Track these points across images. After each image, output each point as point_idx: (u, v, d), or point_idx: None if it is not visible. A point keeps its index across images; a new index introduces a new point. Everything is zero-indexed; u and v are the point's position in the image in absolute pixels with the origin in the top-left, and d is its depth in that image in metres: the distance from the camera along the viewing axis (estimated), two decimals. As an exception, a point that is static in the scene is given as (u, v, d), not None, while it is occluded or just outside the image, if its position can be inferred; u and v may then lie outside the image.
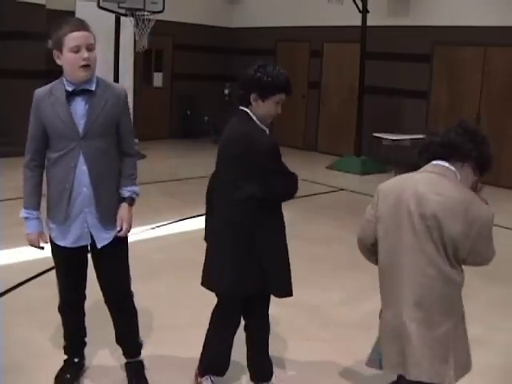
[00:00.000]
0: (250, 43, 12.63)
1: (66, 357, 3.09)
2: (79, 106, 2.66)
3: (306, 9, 11.46)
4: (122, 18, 9.59)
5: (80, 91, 2.65)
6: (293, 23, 11.74)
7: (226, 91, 13.11)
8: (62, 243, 2.79)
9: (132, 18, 9.44)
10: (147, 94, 11.96)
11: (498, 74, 9.23)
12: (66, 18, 2.69)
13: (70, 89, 2.65)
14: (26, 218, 2.81)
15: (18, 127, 9.65)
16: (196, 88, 12.66)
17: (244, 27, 12.97)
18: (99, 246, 2.79)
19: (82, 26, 2.62)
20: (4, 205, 6.50)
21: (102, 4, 8.98)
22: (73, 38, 2.57)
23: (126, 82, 10.26)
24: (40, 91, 2.71)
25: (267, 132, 2.80)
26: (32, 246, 2.84)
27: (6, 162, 8.36)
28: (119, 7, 9.11)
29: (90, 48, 2.61)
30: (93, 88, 2.67)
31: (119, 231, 2.82)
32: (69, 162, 2.67)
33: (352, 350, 3.47)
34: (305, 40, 11.78)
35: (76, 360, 3.09)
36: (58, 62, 2.65)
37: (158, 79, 12.42)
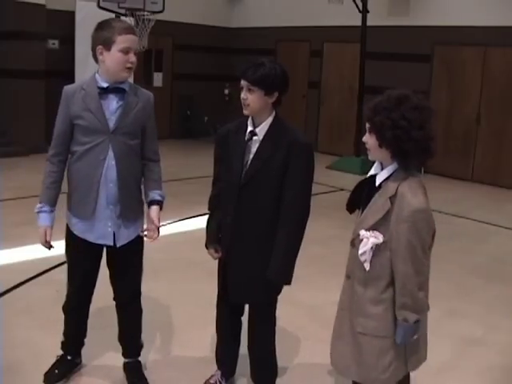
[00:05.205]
0: (250, 43, 12.63)
1: (61, 352, 3.10)
2: (112, 102, 2.70)
3: (306, 9, 11.47)
4: (122, 18, 9.59)
5: (113, 89, 2.70)
6: (293, 23, 11.74)
7: (226, 91, 13.12)
8: (84, 237, 2.79)
9: (132, 18, 9.42)
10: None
11: (497, 74, 9.23)
12: (115, 19, 2.76)
13: (104, 85, 2.69)
14: (38, 213, 2.78)
15: (18, 127, 9.75)
16: (196, 88, 12.67)
17: (244, 27, 12.98)
18: (119, 244, 2.80)
19: (134, 30, 2.72)
20: (4, 205, 6.50)
21: (101, 4, 8.98)
22: (126, 40, 2.63)
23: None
24: (70, 87, 2.75)
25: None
26: (40, 242, 2.80)
27: (6, 162, 8.37)
28: (119, 7, 9.11)
29: (136, 53, 2.70)
30: (126, 88, 2.73)
31: (147, 232, 2.86)
32: (97, 156, 2.69)
33: (352, 350, 3.46)
34: (305, 40, 11.79)
35: (69, 358, 3.10)
36: (100, 57, 2.67)
37: (157, 79, 12.42)
